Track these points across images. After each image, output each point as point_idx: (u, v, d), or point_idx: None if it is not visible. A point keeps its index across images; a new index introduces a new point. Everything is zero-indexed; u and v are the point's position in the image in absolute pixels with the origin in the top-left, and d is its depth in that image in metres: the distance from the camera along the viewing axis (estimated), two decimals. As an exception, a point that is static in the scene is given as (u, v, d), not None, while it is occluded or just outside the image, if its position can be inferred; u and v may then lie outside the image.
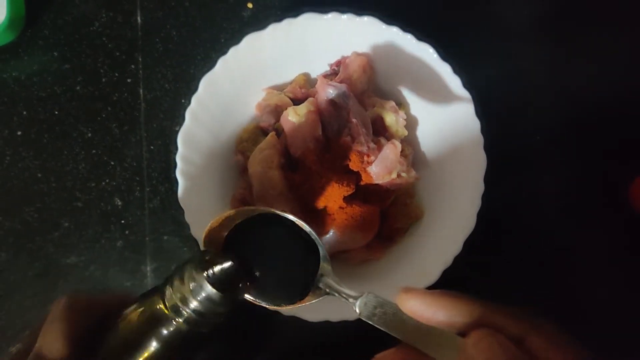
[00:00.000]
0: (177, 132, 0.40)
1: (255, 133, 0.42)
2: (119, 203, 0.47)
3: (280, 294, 0.27)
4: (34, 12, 0.48)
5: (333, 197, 0.39)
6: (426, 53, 0.40)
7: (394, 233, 0.42)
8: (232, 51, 0.40)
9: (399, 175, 0.39)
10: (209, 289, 0.23)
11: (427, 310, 0.22)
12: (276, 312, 0.38)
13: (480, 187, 0.39)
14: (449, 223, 0.39)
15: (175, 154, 0.40)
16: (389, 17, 0.40)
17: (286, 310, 0.38)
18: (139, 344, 0.24)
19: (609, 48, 0.46)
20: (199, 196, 0.40)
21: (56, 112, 0.48)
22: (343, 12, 0.40)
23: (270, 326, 0.44)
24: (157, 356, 0.24)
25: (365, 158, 0.39)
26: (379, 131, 0.41)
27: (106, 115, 0.47)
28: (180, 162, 0.40)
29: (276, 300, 0.27)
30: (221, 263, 0.25)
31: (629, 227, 0.44)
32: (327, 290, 0.25)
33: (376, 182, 0.39)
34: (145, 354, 0.24)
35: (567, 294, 0.43)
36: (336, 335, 0.42)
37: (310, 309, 0.38)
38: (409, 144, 0.43)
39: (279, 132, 0.41)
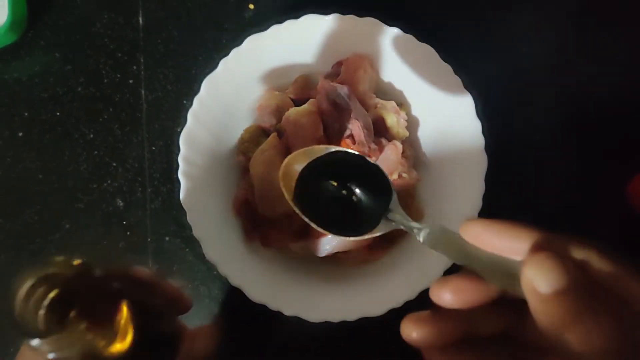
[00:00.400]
0: (178, 133, 0.40)
1: (257, 134, 0.42)
2: (121, 204, 0.47)
3: (352, 226, 0.28)
4: (35, 13, 0.48)
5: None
6: (427, 54, 0.40)
7: (395, 234, 0.42)
8: (234, 52, 0.40)
9: (400, 176, 0.40)
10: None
11: (488, 237, 0.22)
12: (278, 313, 0.38)
13: (481, 188, 0.39)
14: (450, 223, 0.39)
15: (177, 154, 0.40)
16: (390, 18, 0.40)
17: (289, 310, 0.38)
18: None
19: (608, 48, 0.47)
20: (201, 197, 0.40)
21: (58, 113, 0.48)
22: (344, 13, 0.40)
23: (271, 326, 0.44)
24: None
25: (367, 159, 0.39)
26: (380, 132, 0.41)
27: (108, 116, 0.47)
28: (182, 163, 0.40)
29: (347, 231, 0.29)
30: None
31: (628, 225, 0.44)
32: (394, 222, 0.27)
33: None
34: None
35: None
36: (336, 336, 0.42)
37: (312, 309, 0.38)
38: (410, 144, 0.43)
39: (281, 133, 0.41)
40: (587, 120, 0.46)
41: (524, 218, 0.44)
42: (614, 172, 0.45)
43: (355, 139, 0.39)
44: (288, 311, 0.38)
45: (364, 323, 0.38)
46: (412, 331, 0.22)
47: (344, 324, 0.38)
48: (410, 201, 0.42)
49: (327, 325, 0.38)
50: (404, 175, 0.40)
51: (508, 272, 0.21)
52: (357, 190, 0.29)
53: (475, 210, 0.39)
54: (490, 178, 0.39)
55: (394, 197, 0.28)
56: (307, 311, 0.38)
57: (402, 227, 0.26)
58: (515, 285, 0.20)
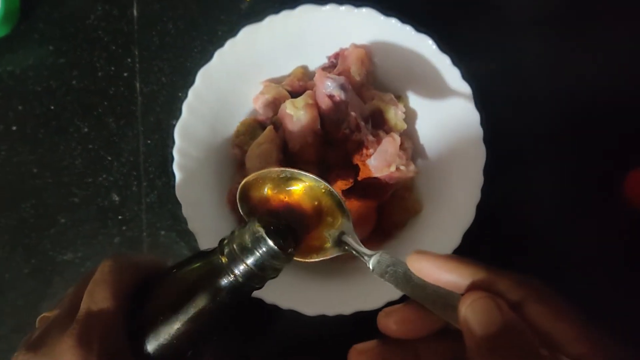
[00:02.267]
0: (174, 126, 0.40)
1: (253, 127, 0.42)
2: (116, 198, 0.46)
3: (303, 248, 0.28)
4: (28, 6, 0.47)
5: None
6: (425, 44, 0.39)
7: (392, 227, 0.42)
8: (229, 44, 0.40)
9: (398, 169, 0.39)
10: (270, 243, 0.24)
11: (433, 272, 0.22)
12: (274, 306, 0.38)
13: (480, 180, 0.38)
14: (448, 216, 0.39)
15: (172, 147, 0.40)
16: (388, 8, 0.40)
17: (285, 304, 0.38)
18: (190, 298, 0.24)
19: (608, 42, 0.46)
20: (196, 190, 0.40)
21: (52, 107, 0.47)
22: (341, 3, 0.40)
23: (267, 320, 0.44)
24: (207, 312, 0.24)
25: (364, 151, 0.38)
26: (378, 124, 0.41)
27: (102, 110, 0.47)
28: (177, 156, 0.39)
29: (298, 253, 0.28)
30: (278, 222, 0.26)
31: (624, 220, 0.44)
32: (346, 247, 0.27)
33: (375, 175, 0.39)
34: (195, 309, 0.24)
35: (563, 286, 0.43)
36: (332, 329, 0.41)
37: (308, 303, 0.38)
38: (408, 137, 0.42)
39: (277, 125, 0.41)
40: (585, 113, 0.45)
41: (522, 211, 0.44)
42: (610, 166, 0.44)
43: (352, 131, 0.39)
44: (284, 305, 0.38)
45: (359, 317, 0.38)
46: None
47: (339, 317, 0.38)
48: (408, 194, 0.42)
49: (322, 319, 0.38)
50: (402, 168, 0.39)
51: (451, 305, 0.21)
52: (308, 213, 0.28)
53: (473, 202, 0.38)
54: (489, 170, 0.39)
55: (349, 221, 0.27)
56: (302, 305, 0.38)
57: (353, 252, 0.26)
58: (456, 319, 0.21)
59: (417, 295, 0.23)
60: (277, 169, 0.28)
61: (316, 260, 0.27)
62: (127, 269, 0.25)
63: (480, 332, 0.20)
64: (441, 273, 0.22)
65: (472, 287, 0.21)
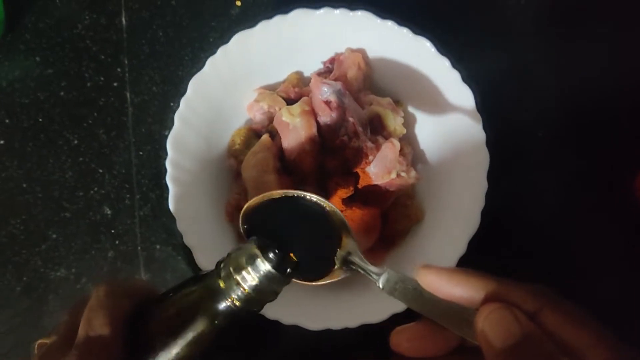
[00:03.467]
0: (166, 137, 0.39)
1: (248, 136, 0.41)
2: (109, 212, 0.45)
3: (309, 271, 0.27)
4: (14, 16, 0.46)
5: (331, 199, 0.37)
6: (423, 47, 0.38)
7: (395, 235, 0.41)
8: (221, 51, 0.39)
9: (398, 175, 0.38)
10: (268, 266, 0.24)
11: (444, 285, 0.22)
12: (276, 321, 0.37)
13: (484, 185, 0.38)
14: (452, 223, 0.38)
15: (165, 159, 0.39)
16: (384, 11, 0.39)
17: (288, 319, 0.37)
18: (188, 324, 0.24)
19: (611, 40, 0.46)
20: (191, 203, 0.39)
21: (40, 119, 0.46)
22: (335, 7, 0.39)
23: (270, 333, 0.43)
24: (205, 336, 0.24)
25: (364, 158, 0.37)
26: (377, 130, 0.40)
27: (92, 121, 0.46)
28: (171, 168, 0.38)
29: (305, 276, 0.28)
30: (275, 244, 0.25)
31: (635, 221, 0.43)
32: (353, 267, 0.26)
33: (375, 182, 0.38)
34: (193, 334, 0.23)
35: (572, 291, 0.42)
36: (337, 342, 0.40)
37: (311, 318, 0.37)
38: (408, 142, 0.41)
39: (273, 134, 0.40)
40: (590, 113, 0.44)
41: (528, 214, 0.43)
42: (618, 166, 0.44)
43: (351, 138, 0.38)
44: (286, 320, 0.37)
45: (364, 330, 0.37)
46: None
47: (345, 331, 0.37)
48: (410, 202, 0.41)
49: (327, 334, 0.37)
50: (403, 174, 0.38)
51: (466, 320, 0.21)
52: (313, 234, 0.28)
53: (478, 208, 0.37)
54: (493, 175, 0.38)
55: (353, 239, 0.27)
56: (306, 319, 0.37)
57: (360, 271, 0.26)
58: (472, 334, 0.21)
59: (429, 312, 0.22)
60: (279, 191, 0.28)
61: (324, 283, 0.27)
62: (122, 294, 0.25)
63: (499, 345, 0.19)
64: (452, 287, 0.22)
65: (487, 300, 0.21)
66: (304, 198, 0.27)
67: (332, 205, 0.27)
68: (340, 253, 0.26)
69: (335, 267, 0.27)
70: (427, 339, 0.23)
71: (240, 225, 0.28)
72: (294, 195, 0.27)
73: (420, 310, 0.23)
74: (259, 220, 0.28)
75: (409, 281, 0.23)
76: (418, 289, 0.23)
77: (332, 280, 0.27)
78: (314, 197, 0.27)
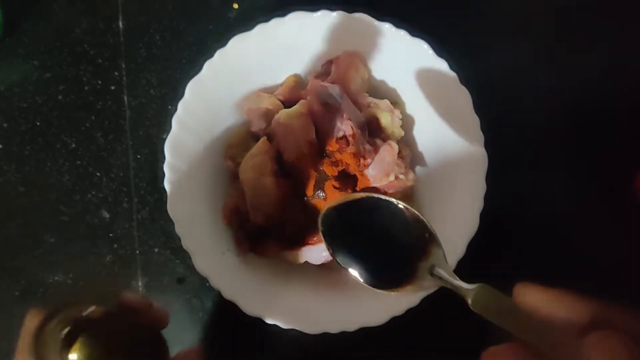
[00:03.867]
0: (164, 140, 0.39)
1: (246, 138, 0.41)
2: (107, 216, 0.45)
3: (386, 278, 0.27)
4: (12, 20, 0.46)
5: (330, 202, 0.37)
6: (421, 49, 0.38)
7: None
8: (219, 54, 0.39)
9: (397, 178, 0.38)
10: None
11: (546, 305, 0.21)
12: (274, 325, 0.37)
13: (482, 187, 0.37)
14: (451, 226, 0.38)
15: (163, 162, 0.39)
16: (381, 13, 0.39)
17: (286, 323, 0.36)
18: None
19: (609, 39, 0.45)
20: (189, 206, 0.38)
21: (38, 123, 0.46)
22: (332, 9, 0.39)
23: (267, 337, 0.43)
24: None
25: (362, 161, 0.37)
26: (375, 132, 0.40)
27: (90, 125, 0.46)
28: (168, 172, 0.38)
29: (383, 284, 0.27)
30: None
31: (635, 220, 0.43)
32: (439, 279, 0.25)
33: (373, 185, 0.38)
34: None
35: (573, 290, 0.42)
36: (335, 345, 0.40)
37: (310, 322, 0.37)
38: (406, 144, 0.41)
39: (271, 136, 0.40)
40: (590, 113, 0.44)
41: (528, 215, 0.43)
42: (618, 165, 0.43)
43: (349, 141, 0.38)
44: (285, 324, 0.36)
45: (365, 333, 0.37)
46: None
47: (343, 335, 0.37)
48: (409, 204, 0.40)
49: (325, 337, 0.36)
50: (401, 176, 0.38)
51: (564, 342, 0.20)
52: (392, 241, 0.27)
53: (477, 210, 0.37)
54: (491, 176, 0.38)
55: (440, 250, 0.26)
56: (304, 323, 0.36)
57: (448, 286, 0.25)
58: (571, 357, 0.20)
59: (525, 333, 0.21)
60: (362, 194, 0.28)
61: (409, 292, 0.26)
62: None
63: None
64: (554, 307, 0.21)
65: (594, 324, 0.20)
66: (389, 202, 0.27)
67: (421, 215, 0.26)
68: (425, 264, 0.25)
69: (419, 277, 0.26)
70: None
71: (320, 225, 0.28)
72: (379, 199, 0.27)
73: (513, 330, 0.21)
74: (339, 223, 0.28)
75: (504, 299, 0.22)
76: (514, 308, 0.21)
77: (418, 291, 0.26)
78: (401, 204, 0.26)
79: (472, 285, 0.23)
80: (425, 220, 0.26)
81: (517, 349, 0.21)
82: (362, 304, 0.38)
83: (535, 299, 0.21)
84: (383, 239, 0.27)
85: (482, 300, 0.22)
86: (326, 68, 0.41)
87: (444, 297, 0.36)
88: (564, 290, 0.21)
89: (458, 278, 0.24)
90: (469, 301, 0.23)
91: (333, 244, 0.29)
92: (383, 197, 0.27)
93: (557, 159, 0.45)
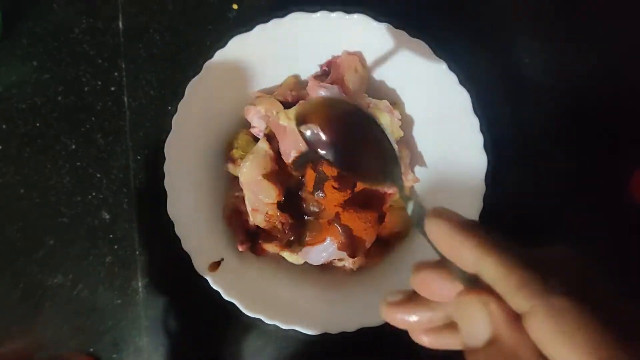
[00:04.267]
0: (164, 141, 0.39)
1: (245, 139, 0.41)
2: (107, 217, 0.45)
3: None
4: (10, 21, 0.46)
5: (329, 203, 0.37)
6: (420, 50, 0.38)
7: (393, 238, 0.41)
8: (218, 54, 0.39)
9: (396, 178, 0.38)
10: None
11: (446, 240, 0.20)
12: (270, 326, 0.37)
13: (482, 188, 0.37)
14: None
15: (163, 163, 0.38)
16: (380, 13, 0.39)
17: (286, 323, 0.36)
18: None
19: (607, 39, 0.45)
20: (189, 208, 0.38)
21: (37, 125, 0.46)
22: (332, 10, 0.39)
23: (268, 338, 0.43)
24: None
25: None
26: (374, 133, 0.40)
27: (90, 126, 0.46)
28: (168, 173, 0.38)
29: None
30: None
31: (632, 219, 0.43)
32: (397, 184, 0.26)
33: (373, 186, 0.38)
34: None
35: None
36: (335, 350, 0.40)
37: (310, 322, 0.37)
38: (405, 145, 0.41)
39: (270, 137, 0.39)
40: (586, 113, 0.44)
41: (526, 215, 0.43)
42: (615, 165, 0.44)
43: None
44: (285, 325, 0.36)
45: (364, 334, 0.37)
46: (387, 317, 0.22)
47: (342, 335, 0.37)
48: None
49: (325, 338, 0.36)
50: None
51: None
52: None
53: (476, 211, 0.37)
54: (490, 175, 0.38)
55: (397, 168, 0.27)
56: (304, 324, 0.36)
57: (399, 192, 0.26)
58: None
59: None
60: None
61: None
62: None
63: (467, 342, 0.18)
64: (452, 247, 0.20)
65: (477, 281, 0.18)
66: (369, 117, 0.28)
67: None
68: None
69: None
70: (436, 284, 0.21)
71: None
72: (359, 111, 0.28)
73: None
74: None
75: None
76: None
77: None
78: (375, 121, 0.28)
79: (414, 199, 0.24)
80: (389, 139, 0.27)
81: (437, 272, 0.21)
82: (362, 304, 0.38)
83: (440, 232, 0.20)
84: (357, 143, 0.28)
85: (415, 214, 0.23)
86: (325, 69, 0.41)
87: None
88: (473, 230, 0.20)
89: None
90: (409, 211, 0.24)
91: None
92: (362, 110, 0.28)
93: (555, 159, 0.45)
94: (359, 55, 0.40)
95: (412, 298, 0.22)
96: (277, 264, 0.40)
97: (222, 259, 0.38)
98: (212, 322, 0.43)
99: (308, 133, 0.28)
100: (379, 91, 0.42)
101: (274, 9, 0.40)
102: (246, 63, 0.40)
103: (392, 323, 0.22)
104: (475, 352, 0.18)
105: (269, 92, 0.42)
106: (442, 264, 0.21)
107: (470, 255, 0.19)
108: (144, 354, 0.44)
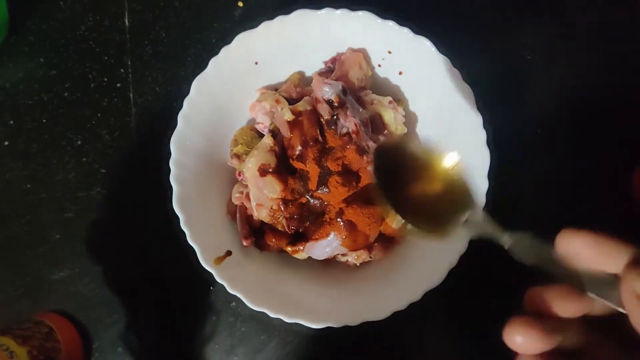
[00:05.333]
0: (170, 137, 0.39)
1: (251, 135, 0.41)
2: (112, 213, 0.45)
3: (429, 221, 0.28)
4: (18, 18, 0.47)
5: (333, 198, 0.38)
6: (424, 47, 0.39)
7: (396, 233, 0.41)
8: (224, 51, 0.39)
9: (400, 174, 0.38)
10: None
11: (588, 250, 0.22)
12: (271, 323, 0.37)
13: (485, 185, 0.38)
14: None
15: (168, 159, 0.39)
16: (384, 11, 0.39)
17: (290, 317, 0.37)
18: None
19: (608, 38, 0.46)
20: (194, 202, 0.39)
21: (44, 120, 0.46)
22: (336, 7, 0.39)
23: (272, 332, 0.43)
24: None
25: (365, 157, 0.38)
26: (378, 129, 0.40)
27: (96, 122, 0.46)
28: (174, 168, 0.38)
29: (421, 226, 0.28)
30: None
31: (632, 218, 0.43)
32: (475, 225, 0.27)
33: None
34: None
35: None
36: (338, 343, 0.40)
37: (313, 315, 0.37)
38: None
39: (275, 133, 0.40)
40: (590, 112, 0.45)
41: (527, 212, 0.44)
42: (616, 163, 0.44)
43: (352, 137, 0.38)
44: (289, 318, 0.37)
45: (367, 328, 0.37)
46: (517, 336, 0.22)
47: (345, 329, 0.37)
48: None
49: (329, 332, 0.37)
50: (404, 172, 0.38)
51: (603, 280, 0.21)
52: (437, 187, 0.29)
53: (479, 207, 0.37)
54: (493, 172, 0.38)
55: (474, 203, 0.28)
56: (308, 317, 0.37)
57: (484, 233, 0.26)
58: (609, 295, 0.21)
59: (567, 277, 0.22)
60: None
61: (441, 237, 0.27)
62: None
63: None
64: (597, 254, 0.21)
65: (634, 262, 0.20)
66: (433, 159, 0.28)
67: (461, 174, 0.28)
68: (459, 215, 0.27)
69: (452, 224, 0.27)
70: (565, 300, 0.22)
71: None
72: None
73: (558, 275, 0.22)
74: (390, 165, 0.29)
75: (544, 248, 0.23)
76: (553, 255, 0.22)
77: (451, 234, 0.27)
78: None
79: (509, 232, 0.24)
80: (465, 180, 0.28)
81: (561, 289, 0.22)
82: (365, 299, 0.38)
83: (576, 244, 0.22)
84: (426, 190, 0.28)
85: (520, 246, 0.24)
86: (330, 65, 0.42)
87: (444, 296, 0.37)
88: (604, 235, 0.22)
89: (495, 225, 0.26)
90: (506, 245, 0.24)
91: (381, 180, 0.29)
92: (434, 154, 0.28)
93: (557, 156, 0.45)
94: (363, 52, 0.41)
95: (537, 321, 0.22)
96: (281, 259, 0.41)
97: (230, 252, 0.38)
98: (217, 315, 0.44)
99: None
100: (383, 88, 0.42)
101: (279, 6, 0.40)
102: (251, 59, 0.40)
103: (520, 345, 0.22)
104: None
105: (274, 88, 0.42)
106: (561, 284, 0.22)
107: (626, 251, 0.21)
108: (149, 347, 0.44)
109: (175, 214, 0.38)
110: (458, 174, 0.28)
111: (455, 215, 0.27)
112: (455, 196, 0.28)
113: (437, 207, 0.28)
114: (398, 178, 0.28)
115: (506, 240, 0.24)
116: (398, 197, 0.28)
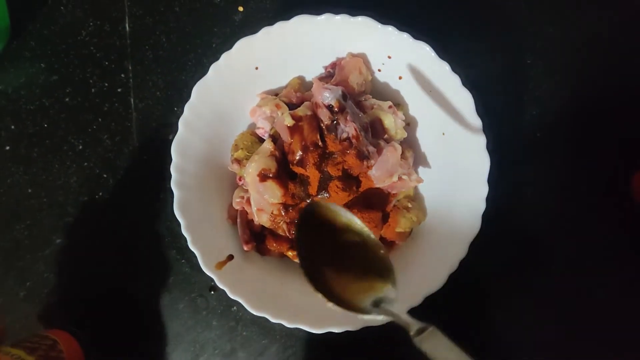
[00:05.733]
0: (170, 142, 0.39)
1: (251, 140, 0.41)
2: (113, 216, 0.45)
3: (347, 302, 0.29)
4: (19, 23, 0.47)
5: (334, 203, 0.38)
6: (423, 52, 0.39)
7: (397, 237, 0.41)
8: (225, 56, 0.39)
9: (400, 178, 0.38)
10: None
11: None
12: (271, 329, 0.37)
13: (484, 189, 0.38)
14: (453, 226, 0.38)
15: (169, 164, 0.39)
16: (384, 16, 0.39)
17: (291, 322, 0.37)
18: None
19: (608, 40, 0.46)
20: (195, 207, 0.39)
21: (45, 125, 0.46)
22: (336, 13, 0.39)
23: (273, 337, 0.43)
24: None
25: (365, 162, 0.38)
26: (378, 133, 0.40)
27: (97, 127, 0.46)
28: (175, 173, 0.39)
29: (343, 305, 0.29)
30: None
31: (633, 220, 0.43)
32: (388, 312, 0.27)
33: (377, 185, 0.38)
34: None
35: (573, 288, 0.42)
36: (339, 345, 0.41)
37: (314, 320, 0.37)
38: (409, 145, 0.42)
39: (275, 138, 0.40)
40: (589, 113, 0.45)
41: (528, 215, 0.44)
42: (616, 166, 0.44)
43: (352, 142, 0.38)
44: (290, 323, 0.37)
45: (367, 333, 0.37)
46: None
47: (346, 333, 0.37)
48: (411, 204, 0.41)
49: (329, 337, 0.37)
50: (404, 177, 0.38)
51: None
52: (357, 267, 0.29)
53: (479, 211, 0.37)
54: (492, 177, 0.38)
55: (395, 289, 0.28)
56: (309, 322, 0.37)
57: (394, 319, 0.26)
58: None
59: None
60: (342, 208, 0.29)
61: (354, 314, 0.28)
62: None
63: None
64: None
65: None
66: (363, 230, 0.29)
67: (384, 250, 0.28)
68: (373, 295, 0.27)
69: (366, 305, 0.27)
70: None
71: (295, 232, 0.29)
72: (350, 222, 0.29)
73: None
74: (312, 231, 0.29)
75: (453, 349, 0.23)
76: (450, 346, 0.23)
77: (363, 317, 0.28)
78: (365, 229, 0.28)
79: (422, 324, 0.25)
80: (388, 258, 0.28)
81: None
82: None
83: None
84: (348, 260, 0.29)
85: (429, 343, 0.24)
86: (330, 70, 0.42)
87: (444, 300, 0.37)
88: None
89: (406, 314, 0.26)
90: (414, 340, 0.24)
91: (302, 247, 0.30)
92: (360, 223, 0.29)
93: (557, 160, 0.45)
94: (363, 57, 0.41)
95: None
96: (282, 264, 0.41)
97: (232, 256, 0.38)
98: (217, 319, 0.44)
99: None
100: (383, 92, 0.42)
101: (280, 12, 0.40)
102: (252, 65, 0.41)
103: None
104: None
105: (274, 93, 0.42)
106: None
107: None
108: (150, 349, 0.44)
109: (176, 218, 0.38)
110: (374, 240, 0.29)
111: (375, 285, 0.28)
112: (376, 264, 0.28)
113: (359, 273, 0.29)
114: (321, 247, 0.29)
115: (414, 331, 0.25)
116: (323, 271, 0.29)
